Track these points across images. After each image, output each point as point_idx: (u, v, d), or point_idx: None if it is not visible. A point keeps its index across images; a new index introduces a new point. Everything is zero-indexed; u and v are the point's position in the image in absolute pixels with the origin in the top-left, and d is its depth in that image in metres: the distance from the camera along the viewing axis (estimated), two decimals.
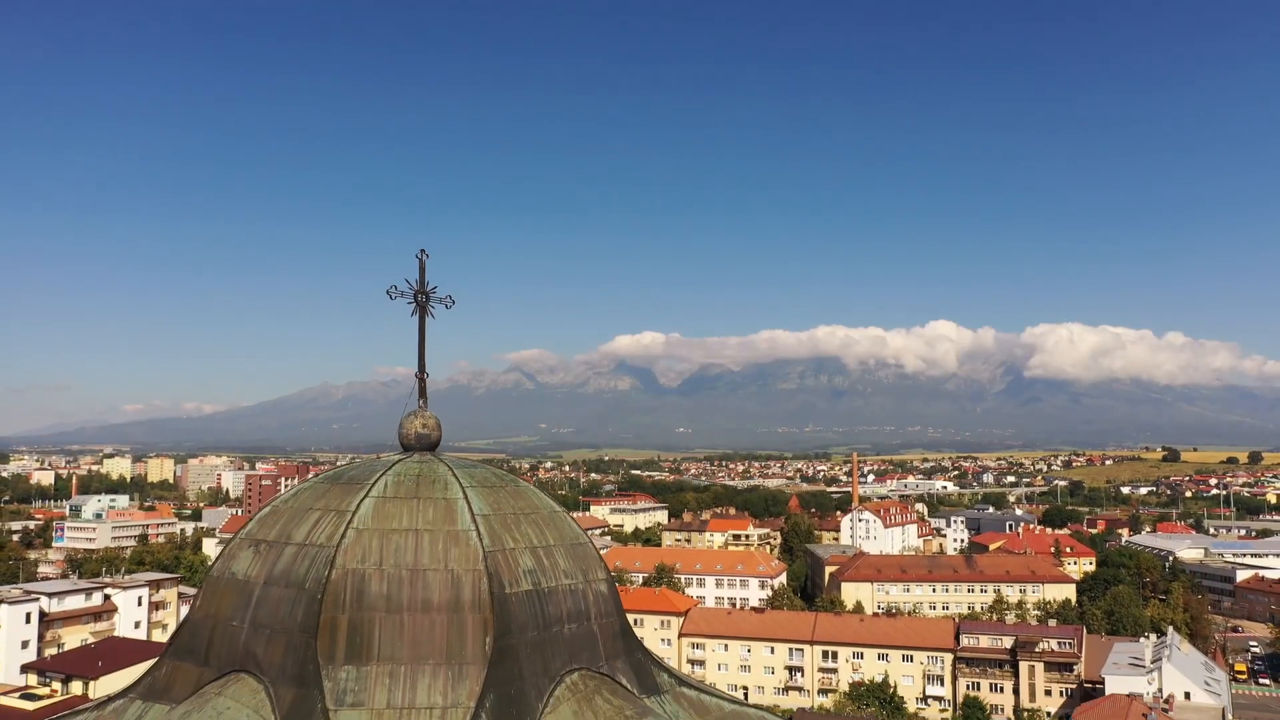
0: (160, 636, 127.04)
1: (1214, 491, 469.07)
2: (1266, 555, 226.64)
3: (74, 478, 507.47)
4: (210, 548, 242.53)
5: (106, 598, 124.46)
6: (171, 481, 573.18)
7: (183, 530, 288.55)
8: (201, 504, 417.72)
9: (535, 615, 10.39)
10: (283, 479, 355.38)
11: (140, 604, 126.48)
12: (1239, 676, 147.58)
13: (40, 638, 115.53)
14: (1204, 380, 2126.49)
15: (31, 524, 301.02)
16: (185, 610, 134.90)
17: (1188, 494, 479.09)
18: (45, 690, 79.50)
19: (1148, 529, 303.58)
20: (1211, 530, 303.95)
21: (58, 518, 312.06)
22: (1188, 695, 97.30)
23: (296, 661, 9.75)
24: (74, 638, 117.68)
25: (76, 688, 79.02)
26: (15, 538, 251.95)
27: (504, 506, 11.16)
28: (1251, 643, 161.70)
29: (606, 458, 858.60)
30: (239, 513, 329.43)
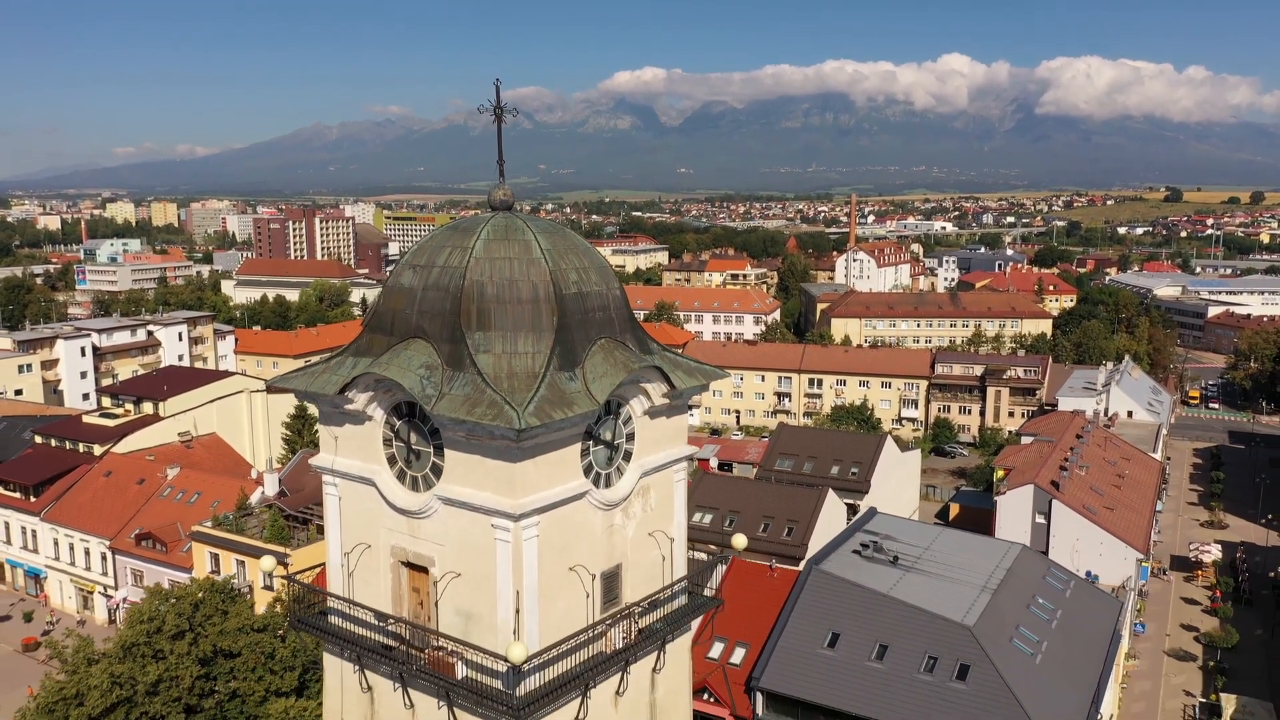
0: (201, 366, 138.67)
1: (1209, 232, 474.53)
2: (1241, 293, 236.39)
3: (81, 223, 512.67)
4: (229, 289, 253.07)
5: (150, 334, 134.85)
6: (176, 225, 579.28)
7: (199, 273, 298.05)
8: (210, 247, 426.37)
9: (579, 306, 18.00)
10: (290, 222, 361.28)
11: (181, 339, 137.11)
12: (1190, 401, 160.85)
13: (96, 369, 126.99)
14: (1220, 117, 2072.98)
15: (50, 268, 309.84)
16: (221, 344, 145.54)
17: (1183, 234, 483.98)
18: (120, 410, 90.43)
19: (1135, 268, 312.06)
20: (1198, 269, 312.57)
21: (74, 261, 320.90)
22: (1130, 414, 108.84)
23: (449, 330, 17.31)
24: (125, 370, 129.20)
25: (147, 408, 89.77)
26: (38, 281, 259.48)
27: (558, 244, 18.42)
28: (1211, 383, 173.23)
29: (607, 199, 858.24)
30: (251, 255, 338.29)
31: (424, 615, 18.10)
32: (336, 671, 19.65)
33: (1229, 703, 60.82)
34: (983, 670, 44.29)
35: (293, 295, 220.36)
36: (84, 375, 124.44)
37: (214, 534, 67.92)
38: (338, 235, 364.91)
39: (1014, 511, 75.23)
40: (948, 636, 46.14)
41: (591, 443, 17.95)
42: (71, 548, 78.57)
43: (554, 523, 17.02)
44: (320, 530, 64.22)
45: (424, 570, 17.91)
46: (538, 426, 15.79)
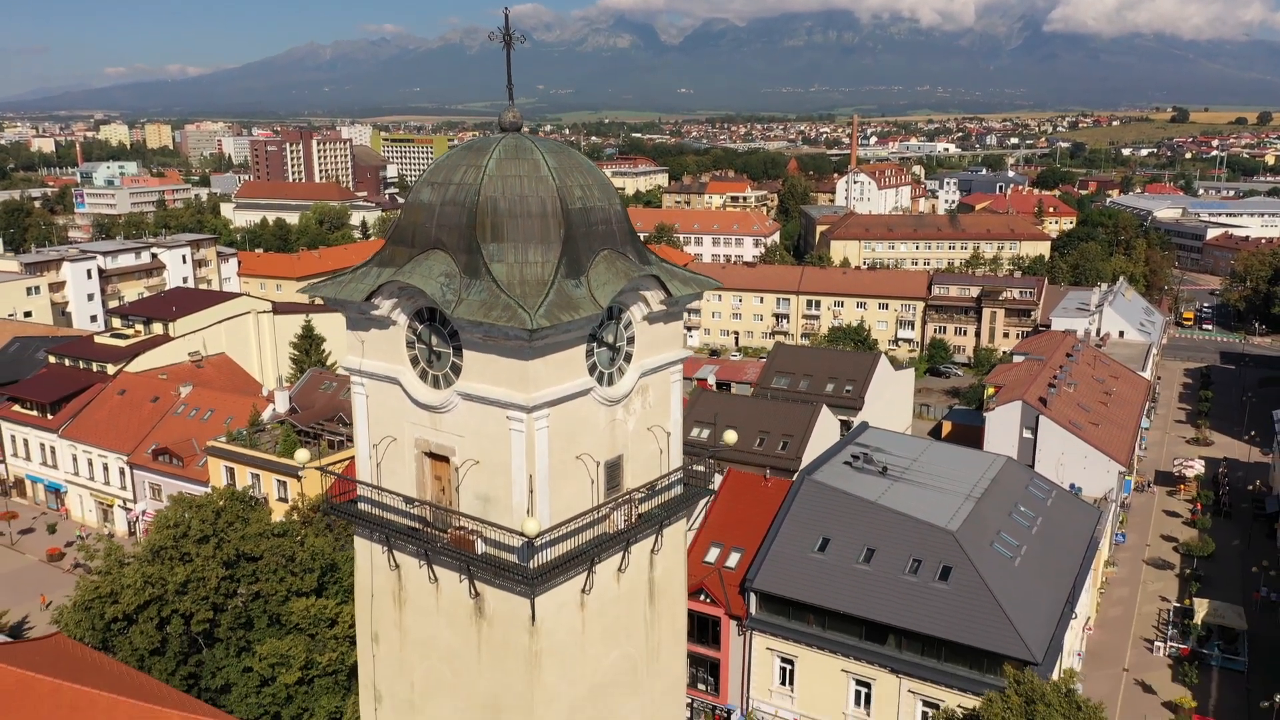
0: (205, 287, 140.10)
1: (1214, 153, 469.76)
2: (1240, 215, 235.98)
3: (76, 145, 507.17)
4: (228, 212, 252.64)
5: (154, 256, 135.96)
6: (171, 148, 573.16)
7: (197, 196, 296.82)
8: (207, 170, 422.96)
9: (584, 220, 19.65)
10: (286, 145, 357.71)
11: (185, 261, 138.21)
12: (1184, 322, 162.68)
13: (102, 291, 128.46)
14: (1231, 35, 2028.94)
15: (47, 191, 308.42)
16: (224, 267, 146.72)
17: (1187, 155, 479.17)
18: (131, 330, 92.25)
19: (1138, 190, 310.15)
20: (1201, 191, 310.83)
21: (70, 185, 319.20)
22: (1122, 334, 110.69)
23: (465, 242, 18.99)
24: (131, 292, 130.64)
25: (157, 328, 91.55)
26: (36, 204, 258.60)
27: (564, 163, 19.97)
28: (1205, 305, 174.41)
29: (606, 120, 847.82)
30: (250, 178, 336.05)
31: (446, 499, 20.19)
32: (367, 552, 21.84)
33: (1201, 606, 63.86)
34: (964, 572, 46.95)
35: (292, 218, 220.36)
36: (91, 297, 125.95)
37: (229, 449, 70.41)
38: (335, 157, 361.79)
39: (1002, 427, 77.64)
40: (931, 541, 48.73)
41: (595, 345, 19.80)
42: (90, 463, 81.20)
43: (562, 415, 18.97)
44: (331, 445, 66.74)
45: (445, 459, 19.94)
46: (548, 328, 17.61)
